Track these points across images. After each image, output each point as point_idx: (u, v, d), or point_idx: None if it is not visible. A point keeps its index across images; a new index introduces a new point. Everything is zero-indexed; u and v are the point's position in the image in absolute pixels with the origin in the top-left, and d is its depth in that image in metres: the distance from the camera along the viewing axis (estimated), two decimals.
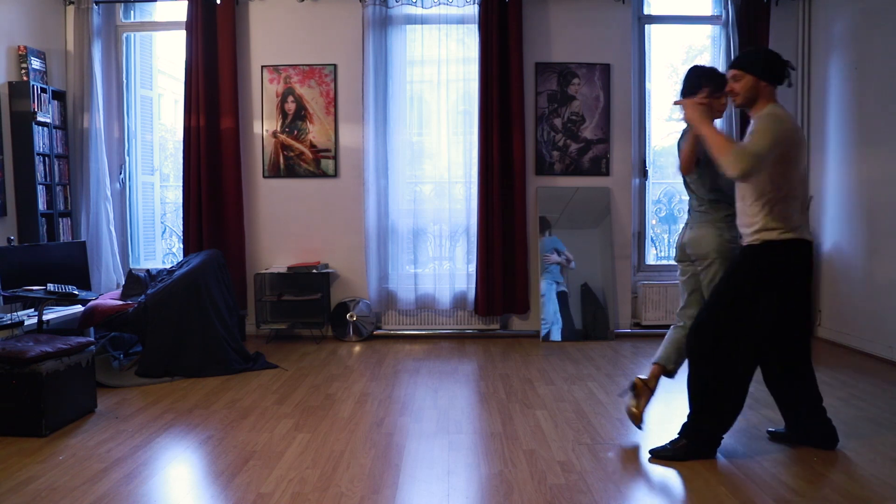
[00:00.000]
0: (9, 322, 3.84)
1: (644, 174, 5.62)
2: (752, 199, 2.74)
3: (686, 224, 3.20)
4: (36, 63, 4.97)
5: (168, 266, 5.22)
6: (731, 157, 2.59)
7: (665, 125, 5.86)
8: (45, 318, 4.05)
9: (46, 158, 4.96)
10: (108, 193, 5.31)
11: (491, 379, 4.16)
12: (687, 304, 3.20)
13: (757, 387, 3.85)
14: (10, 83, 4.78)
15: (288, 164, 5.47)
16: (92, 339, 4.02)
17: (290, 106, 5.44)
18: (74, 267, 4.67)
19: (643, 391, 3.11)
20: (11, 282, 4.15)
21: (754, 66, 2.72)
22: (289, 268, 5.28)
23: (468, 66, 5.37)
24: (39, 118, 4.84)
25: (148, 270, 4.84)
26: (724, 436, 2.86)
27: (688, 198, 3.20)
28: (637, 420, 3.08)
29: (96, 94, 5.25)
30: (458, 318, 5.51)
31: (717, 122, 2.89)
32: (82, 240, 5.12)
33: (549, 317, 5.29)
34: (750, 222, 2.76)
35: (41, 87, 4.89)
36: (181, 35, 5.33)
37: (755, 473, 2.65)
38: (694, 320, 2.91)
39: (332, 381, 4.10)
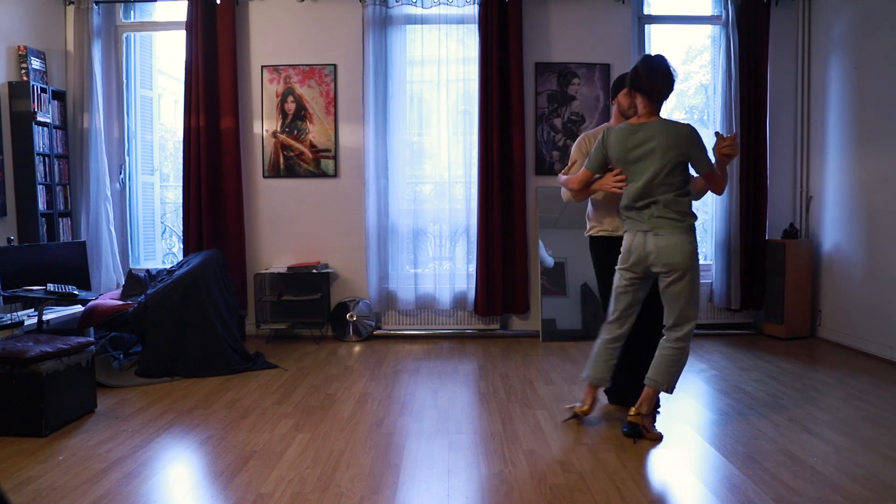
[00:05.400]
0: (9, 322, 3.84)
1: None
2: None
3: (644, 231, 2.94)
4: (36, 63, 4.97)
5: (168, 266, 5.22)
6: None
7: None
8: (45, 318, 4.06)
9: (46, 158, 4.96)
10: (108, 193, 5.31)
11: (491, 379, 4.16)
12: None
13: (756, 387, 3.86)
14: (10, 83, 4.78)
15: (288, 164, 5.47)
16: (92, 339, 4.02)
17: (290, 106, 5.44)
18: (74, 267, 4.67)
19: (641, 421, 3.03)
20: (11, 282, 4.15)
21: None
22: (289, 268, 5.28)
23: (468, 66, 5.37)
24: (39, 118, 4.85)
25: (148, 270, 4.85)
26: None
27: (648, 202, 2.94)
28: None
29: (96, 94, 5.25)
30: (458, 318, 5.51)
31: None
32: (82, 240, 5.12)
33: None
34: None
35: (41, 87, 4.89)
36: (181, 35, 5.33)
37: (755, 473, 2.65)
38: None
39: (332, 381, 4.10)
